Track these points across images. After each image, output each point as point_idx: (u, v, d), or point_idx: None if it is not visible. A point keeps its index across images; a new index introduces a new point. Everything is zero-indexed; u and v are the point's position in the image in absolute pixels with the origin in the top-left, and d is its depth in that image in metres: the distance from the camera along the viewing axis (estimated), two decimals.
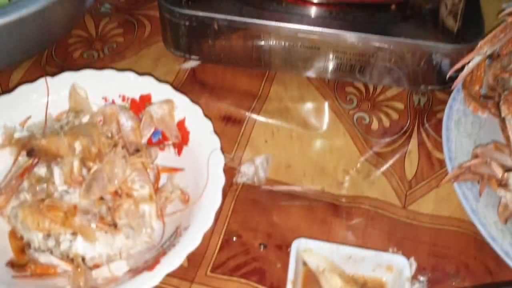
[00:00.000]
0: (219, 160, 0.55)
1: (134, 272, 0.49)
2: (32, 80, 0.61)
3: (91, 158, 0.51)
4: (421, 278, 0.55)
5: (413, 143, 0.66)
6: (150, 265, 0.48)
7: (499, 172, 0.55)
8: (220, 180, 0.53)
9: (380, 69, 0.68)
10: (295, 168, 0.65)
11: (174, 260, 0.47)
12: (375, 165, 0.65)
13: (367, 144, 0.67)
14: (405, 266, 0.52)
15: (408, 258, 0.55)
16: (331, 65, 0.69)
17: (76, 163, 0.50)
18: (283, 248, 0.56)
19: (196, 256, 0.56)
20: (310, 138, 0.68)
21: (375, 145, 0.66)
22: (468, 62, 0.63)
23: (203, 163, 0.55)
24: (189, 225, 0.51)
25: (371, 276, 0.54)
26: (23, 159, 0.54)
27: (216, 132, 0.58)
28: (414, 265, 0.56)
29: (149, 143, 0.61)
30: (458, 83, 0.65)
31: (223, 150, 0.57)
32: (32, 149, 0.52)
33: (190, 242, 0.48)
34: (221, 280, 0.54)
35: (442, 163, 0.64)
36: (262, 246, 0.57)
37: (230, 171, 0.63)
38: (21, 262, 0.50)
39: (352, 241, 0.58)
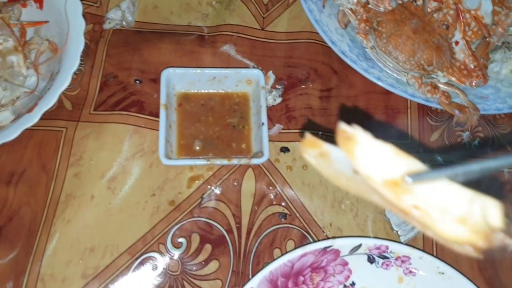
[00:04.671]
0: (77, 6, 0.60)
1: (19, 118, 0.56)
2: None
3: None
4: (278, 87, 0.67)
5: None
6: (30, 109, 0.55)
7: None
8: (80, 24, 0.59)
9: None
10: (162, 8, 0.71)
11: (49, 100, 0.55)
12: None
13: None
14: (260, 77, 0.63)
15: (266, 71, 0.66)
16: None
17: None
18: (157, 80, 0.65)
19: (78, 99, 0.64)
20: None
21: None
22: None
23: (63, 12, 0.60)
24: (60, 70, 0.57)
25: (236, 91, 0.65)
26: None
27: None
28: (273, 77, 0.67)
29: (10, 0, 0.64)
30: None
31: None
32: None
33: (61, 83, 0.56)
34: (104, 116, 0.63)
35: None
36: (137, 82, 0.65)
37: (98, 19, 0.69)
38: None
39: (219, 65, 0.67)
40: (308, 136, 0.30)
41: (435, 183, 0.28)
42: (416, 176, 0.27)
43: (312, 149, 0.31)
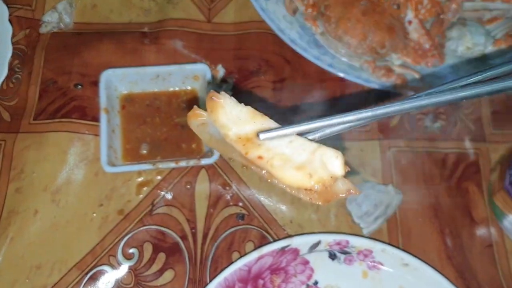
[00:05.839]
0: (3, 11, 0.57)
1: None
2: None
3: None
4: (229, 80, 0.65)
5: None
6: None
7: None
8: (7, 30, 0.56)
9: None
10: (101, 7, 0.68)
11: None
12: None
13: None
14: (207, 71, 0.61)
15: (215, 65, 0.64)
16: None
17: None
18: (98, 83, 0.63)
19: (17, 109, 0.62)
20: None
21: None
22: None
23: None
24: None
25: (183, 88, 0.63)
26: None
27: None
28: (222, 71, 0.65)
29: None
30: None
31: (13, 1, 0.60)
32: None
33: None
34: (44, 125, 0.61)
35: None
36: (78, 86, 0.63)
37: (34, 23, 0.66)
38: None
39: (165, 62, 0.65)
40: (194, 109, 0.36)
41: (284, 138, 0.33)
42: (267, 132, 0.32)
43: (195, 119, 0.36)
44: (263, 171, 0.34)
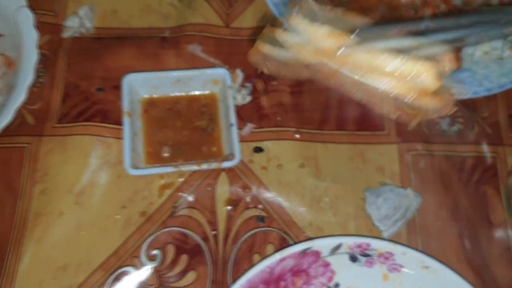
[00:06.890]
0: (28, 18, 0.59)
1: None
2: None
3: None
4: (247, 85, 0.66)
5: None
6: None
7: None
8: (33, 36, 0.58)
9: None
10: (121, 12, 0.70)
11: (5, 116, 0.54)
12: None
13: None
14: (226, 76, 0.63)
15: (234, 70, 0.66)
16: None
17: None
18: (120, 87, 0.64)
19: (41, 113, 0.63)
20: None
21: None
22: None
23: (14, 24, 0.59)
24: (15, 84, 0.57)
25: (203, 92, 0.65)
26: None
27: None
28: (241, 75, 0.66)
29: None
30: None
31: (37, 7, 0.62)
32: None
33: (16, 98, 0.55)
34: (67, 128, 0.62)
35: None
36: (100, 90, 0.65)
37: (56, 28, 0.68)
38: None
39: (185, 66, 0.66)
40: (256, 44, 0.40)
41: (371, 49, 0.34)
42: (361, 32, 0.34)
43: (257, 53, 0.41)
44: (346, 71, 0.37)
